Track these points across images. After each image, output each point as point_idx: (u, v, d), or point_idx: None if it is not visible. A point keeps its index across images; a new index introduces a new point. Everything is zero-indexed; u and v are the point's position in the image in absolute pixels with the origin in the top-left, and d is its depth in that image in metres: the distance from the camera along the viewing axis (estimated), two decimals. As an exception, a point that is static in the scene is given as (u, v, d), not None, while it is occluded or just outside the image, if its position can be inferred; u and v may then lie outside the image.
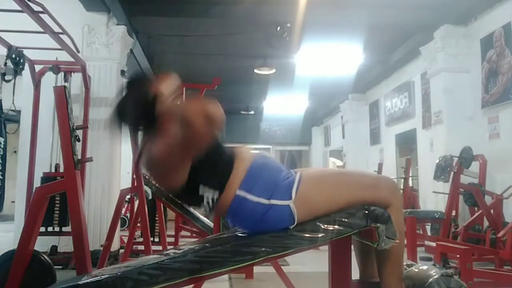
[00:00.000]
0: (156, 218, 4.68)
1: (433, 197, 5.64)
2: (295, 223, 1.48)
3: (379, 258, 1.59)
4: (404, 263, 1.67)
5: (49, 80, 4.21)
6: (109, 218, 4.14)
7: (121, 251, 4.56)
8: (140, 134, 1.58)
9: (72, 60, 4.09)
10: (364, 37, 5.98)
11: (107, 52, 5.05)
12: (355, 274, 1.69)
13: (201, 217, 4.70)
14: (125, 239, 4.30)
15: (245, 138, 12.21)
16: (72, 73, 4.36)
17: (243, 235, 1.58)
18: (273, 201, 1.47)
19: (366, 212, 1.50)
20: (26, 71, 3.98)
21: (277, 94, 9.46)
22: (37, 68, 4.21)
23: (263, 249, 1.46)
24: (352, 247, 1.66)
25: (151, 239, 4.19)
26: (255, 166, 1.53)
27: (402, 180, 6.72)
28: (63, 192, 2.73)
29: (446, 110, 5.45)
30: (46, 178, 3.96)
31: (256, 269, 3.65)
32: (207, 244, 1.54)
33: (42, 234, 3.34)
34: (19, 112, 4.42)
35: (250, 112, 11.49)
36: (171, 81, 1.57)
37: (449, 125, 5.41)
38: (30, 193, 3.92)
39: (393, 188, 1.63)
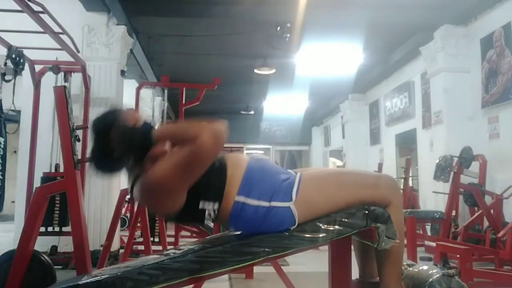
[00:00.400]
0: (156, 218, 4.67)
1: (433, 197, 5.63)
2: (296, 224, 1.48)
3: (379, 258, 1.58)
4: (404, 263, 1.68)
5: (49, 80, 4.20)
6: (109, 218, 4.13)
7: (121, 251, 4.56)
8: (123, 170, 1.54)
9: (72, 60, 4.09)
10: (364, 37, 5.98)
11: (107, 52, 5.04)
12: (355, 274, 1.69)
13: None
14: (125, 239, 4.29)
15: (245, 138, 12.23)
16: (72, 73, 4.36)
17: (243, 235, 1.58)
18: (274, 203, 1.47)
19: (366, 212, 1.50)
20: (26, 71, 3.98)
21: (277, 94, 9.47)
22: (37, 68, 4.21)
23: (263, 249, 1.46)
24: (352, 247, 1.66)
25: (151, 239, 4.18)
26: (251, 170, 1.53)
27: (402, 180, 6.71)
28: (63, 192, 2.73)
29: (446, 110, 5.45)
30: (46, 178, 3.95)
31: (256, 269, 3.65)
32: (207, 244, 1.54)
33: (42, 234, 3.33)
34: (19, 112, 4.42)
35: (250, 112, 11.50)
36: (135, 113, 1.56)
37: (449, 125, 5.41)
38: (30, 193, 3.92)
39: (393, 186, 1.63)
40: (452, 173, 4.73)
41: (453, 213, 4.75)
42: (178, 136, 1.46)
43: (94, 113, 4.73)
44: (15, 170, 4.66)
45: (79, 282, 1.41)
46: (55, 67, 4.18)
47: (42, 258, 2.79)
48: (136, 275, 1.39)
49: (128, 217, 6.79)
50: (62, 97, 2.59)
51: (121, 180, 5.35)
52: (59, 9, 3.80)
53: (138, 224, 4.15)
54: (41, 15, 3.19)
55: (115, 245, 4.61)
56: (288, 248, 1.48)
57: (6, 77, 3.46)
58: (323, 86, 8.56)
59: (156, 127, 1.51)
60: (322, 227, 1.49)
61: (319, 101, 10.54)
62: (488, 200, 4.59)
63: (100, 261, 3.59)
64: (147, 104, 8.04)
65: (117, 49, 5.09)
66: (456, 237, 4.51)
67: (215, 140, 1.37)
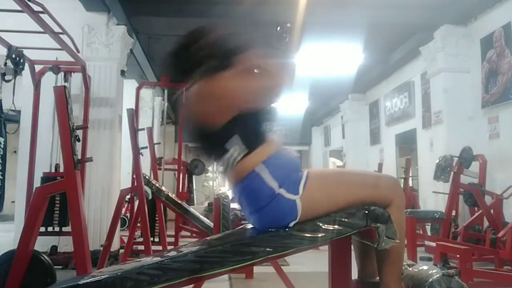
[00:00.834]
0: (156, 218, 4.67)
1: (433, 197, 5.63)
2: (297, 219, 1.48)
3: (379, 257, 1.58)
4: (404, 263, 1.67)
5: (49, 80, 4.21)
6: (109, 218, 4.13)
7: (121, 251, 4.56)
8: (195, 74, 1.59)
9: (72, 60, 4.09)
10: (364, 37, 5.97)
11: (107, 52, 5.05)
12: (355, 274, 1.69)
13: (201, 217, 4.70)
14: (125, 239, 4.29)
15: (245, 138, 12.20)
16: (72, 73, 4.36)
17: (243, 234, 1.58)
18: (282, 191, 1.48)
19: (366, 212, 1.50)
20: (26, 71, 3.98)
21: (277, 94, 9.45)
22: (37, 68, 4.21)
23: (263, 249, 1.46)
24: (352, 247, 1.66)
25: (151, 239, 4.18)
26: (283, 151, 1.58)
27: (402, 180, 6.71)
28: (63, 192, 2.73)
29: (446, 110, 5.46)
30: (46, 178, 3.95)
31: (256, 269, 3.65)
32: (207, 244, 1.54)
33: (42, 234, 3.34)
34: (19, 112, 4.43)
35: (250, 112, 11.48)
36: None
37: (449, 125, 5.41)
38: (30, 193, 3.92)
39: (394, 185, 1.62)
40: (452, 173, 4.73)
41: (453, 213, 4.75)
42: (266, 66, 1.63)
43: (94, 113, 4.74)
44: (15, 170, 4.66)
45: (79, 282, 1.40)
46: (55, 67, 4.19)
47: (42, 258, 2.79)
48: (136, 275, 1.39)
49: (128, 217, 6.80)
50: (62, 97, 2.59)
51: (121, 180, 5.36)
52: (59, 9, 3.81)
53: (138, 224, 4.16)
54: (41, 15, 3.19)
55: (115, 245, 4.61)
56: (288, 248, 1.48)
57: (6, 77, 3.47)
58: (323, 86, 8.55)
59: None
60: (322, 226, 1.49)
61: (319, 101, 10.53)
62: (488, 200, 4.59)
63: (100, 261, 3.60)
64: (147, 104, 8.05)
65: (117, 49, 5.09)
66: (456, 237, 4.51)
67: (289, 84, 1.60)
